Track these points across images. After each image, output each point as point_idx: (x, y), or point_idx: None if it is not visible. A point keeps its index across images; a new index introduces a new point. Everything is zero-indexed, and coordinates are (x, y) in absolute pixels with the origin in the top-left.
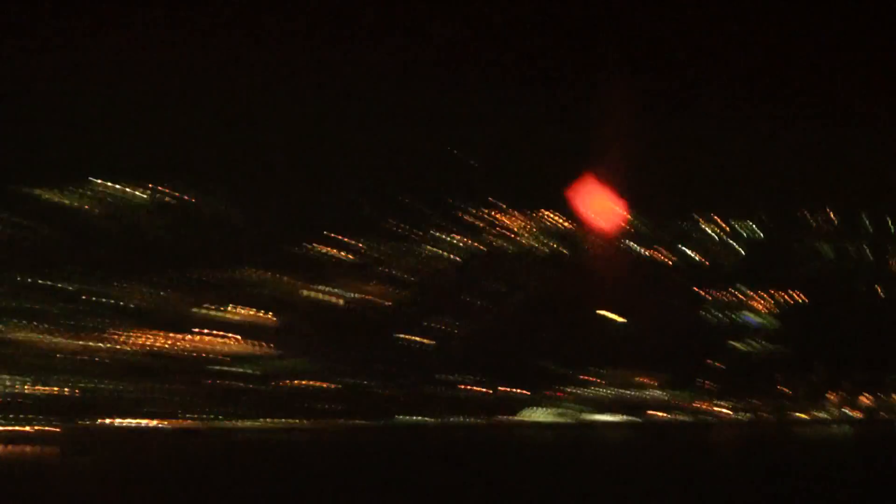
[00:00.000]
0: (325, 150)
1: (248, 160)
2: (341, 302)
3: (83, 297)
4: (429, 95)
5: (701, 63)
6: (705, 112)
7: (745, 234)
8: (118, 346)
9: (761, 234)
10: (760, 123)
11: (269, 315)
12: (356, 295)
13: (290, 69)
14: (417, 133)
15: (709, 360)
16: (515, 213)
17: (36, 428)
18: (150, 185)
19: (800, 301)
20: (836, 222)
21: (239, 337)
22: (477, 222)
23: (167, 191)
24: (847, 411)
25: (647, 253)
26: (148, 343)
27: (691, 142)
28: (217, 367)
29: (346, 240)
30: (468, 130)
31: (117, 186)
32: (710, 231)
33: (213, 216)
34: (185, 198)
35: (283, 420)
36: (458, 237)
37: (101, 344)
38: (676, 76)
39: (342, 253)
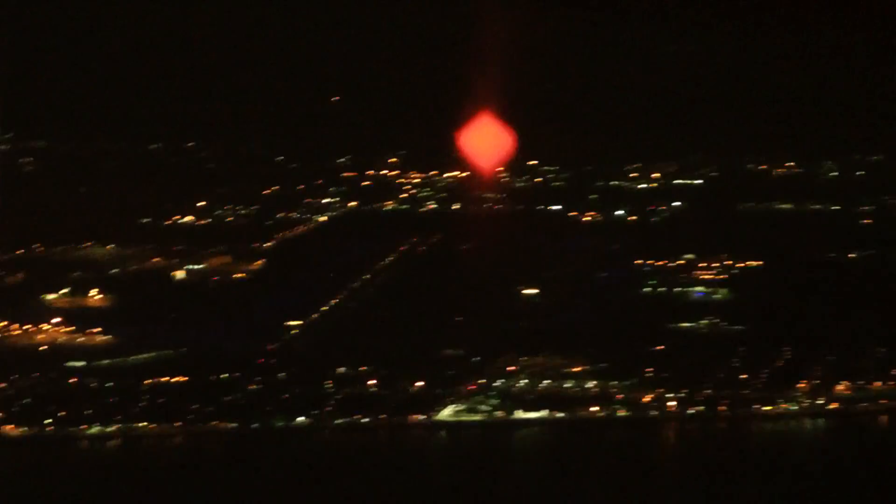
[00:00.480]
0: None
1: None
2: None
3: None
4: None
5: None
6: (634, 39)
7: (685, 189)
8: None
9: (706, 189)
10: (705, 52)
11: (111, 297)
12: (211, 266)
13: None
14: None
15: (650, 344)
16: (401, 167)
17: None
18: None
19: (756, 268)
20: (795, 172)
21: (81, 325)
22: (357, 179)
23: None
24: (820, 402)
25: (568, 214)
26: None
27: (617, 78)
28: (66, 364)
29: (198, 204)
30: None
31: None
32: (644, 185)
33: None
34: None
35: (143, 424)
36: (332, 198)
37: None
38: None
39: (190, 218)
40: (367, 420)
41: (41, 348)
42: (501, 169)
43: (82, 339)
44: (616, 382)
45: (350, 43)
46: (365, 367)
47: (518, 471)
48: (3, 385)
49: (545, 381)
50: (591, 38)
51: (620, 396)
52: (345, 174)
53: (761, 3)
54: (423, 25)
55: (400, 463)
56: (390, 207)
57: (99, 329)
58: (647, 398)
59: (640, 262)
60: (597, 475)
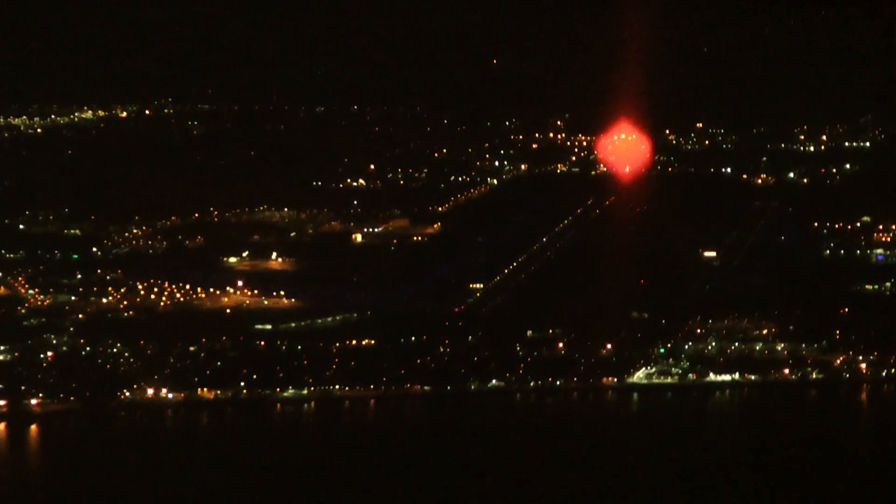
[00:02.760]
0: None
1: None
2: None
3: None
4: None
5: None
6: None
7: (855, 152)
8: (118, 304)
9: (875, 151)
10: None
11: (292, 260)
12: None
13: None
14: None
15: (836, 307)
16: (567, 130)
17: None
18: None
19: None
20: None
21: (265, 289)
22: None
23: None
24: None
25: (742, 176)
26: (161, 298)
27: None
28: (254, 327)
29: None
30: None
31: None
32: (812, 148)
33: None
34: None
35: (330, 387)
36: (502, 161)
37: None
38: None
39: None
40: (560, 383)
41: (227, 311)
42: (668, 131)
43: (267, 302)
44: (805, 345)
45: (509, 3)
46: (552, 331)
47: (715, 433)
48: (193, 348)
49: (734, 344)
50: None
51: (810, 360)
52: (512, 137)
53: None
54: None
55: (597, 425)
56: (561, 170)
57: (283, 292)
58: (838, 361)
59: (816, 224)
60: (800, 436)
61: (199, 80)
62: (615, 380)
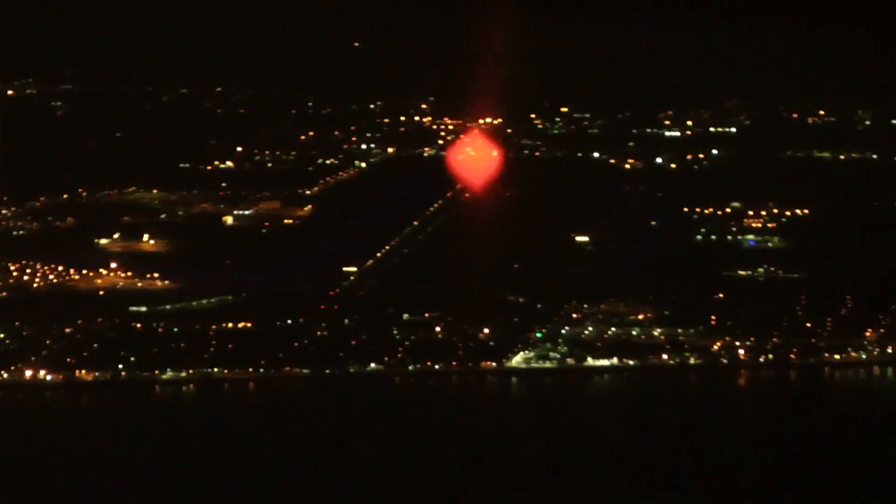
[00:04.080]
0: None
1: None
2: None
3: None
4: None
5: None
6: None
7: (721, 137)
8: None
9: (741, 137)
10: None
11: (164, 242)
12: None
13: None
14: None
15: (711, 292)
16: (433, 113)
17: None
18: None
19: (804, 216)
20: (829, 121)
21: (138, 270)
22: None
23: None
24: (890, 350)
25: (610, 161)
26: (34, 279)
27: (646, 24)
28: (130, 309)
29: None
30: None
31: None
32: (678, 133)
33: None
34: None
35: (209, 370)
36: (370, 144)
37: None
38: None
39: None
40: (439, 367)
41: (101, 293)
42: (533, 115)
43: (141, 284)
44: (682, 330)
45: None
46: (428, 314)
47: (595, 418)
48: (69, 330)
49: (612, 329)
50: None
51: (688, 344)
52: (377, 120)
53: None
54: None
55: (476, 409)
56: (429, 154)
57: (157, 274)
58: (716, 346)
59: (686, 209)
60: (676, 420)
61: (62, 58)
62: (494, 364)
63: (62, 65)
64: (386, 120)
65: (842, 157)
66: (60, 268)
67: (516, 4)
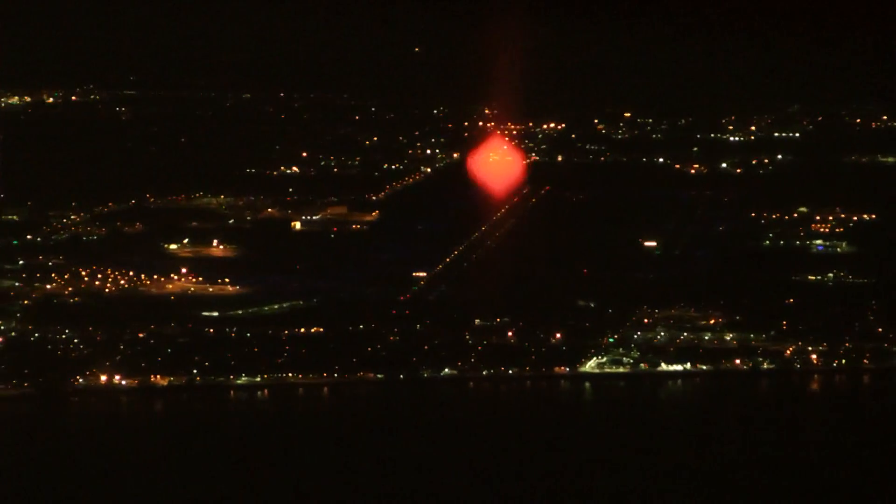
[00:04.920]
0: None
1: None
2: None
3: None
4: None
5: None
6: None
7: (784, 142)
8: (63, 290)
9: (804, 142)
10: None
11: (233, 247)
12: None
13: None
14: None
15: (780, 297)
16: (497, 118)
17: None
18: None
19: (871, 221)
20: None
21: (208, 276)
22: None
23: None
24: None
25: (675, 166)
26: (105, 284)
27: (709, 30)
28: (202, 314)
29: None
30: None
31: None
32: (740, 138)
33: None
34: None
35: (283, 375)
36: (434, 149)
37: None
38: None
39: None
40: (512, 371)
41: (172, 298)
42: (597, 121)
43: (212, 289)
44: (754, 335)
45: None
46: (500, 319)
47: (668, 423)
48: (143, 335)
49: (683, 334)
50: None
51: (760, 349)
52: (441, 125)
53: None
54: None
55: (552, 414)
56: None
57: (227, 279)
58: (788, 351)
59: (753, 214)
60: (753, 425)
61: (125, 66)
62: (567, 369)
63: (126, 71)
64: (450, 125)
65: None
66: (131, 273)
67: (581, 13)
